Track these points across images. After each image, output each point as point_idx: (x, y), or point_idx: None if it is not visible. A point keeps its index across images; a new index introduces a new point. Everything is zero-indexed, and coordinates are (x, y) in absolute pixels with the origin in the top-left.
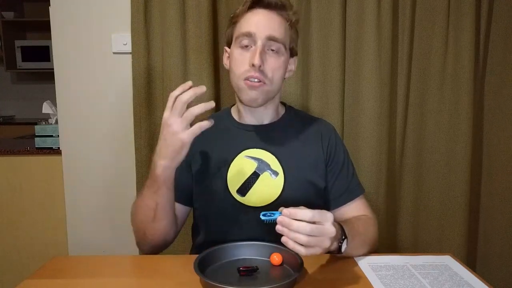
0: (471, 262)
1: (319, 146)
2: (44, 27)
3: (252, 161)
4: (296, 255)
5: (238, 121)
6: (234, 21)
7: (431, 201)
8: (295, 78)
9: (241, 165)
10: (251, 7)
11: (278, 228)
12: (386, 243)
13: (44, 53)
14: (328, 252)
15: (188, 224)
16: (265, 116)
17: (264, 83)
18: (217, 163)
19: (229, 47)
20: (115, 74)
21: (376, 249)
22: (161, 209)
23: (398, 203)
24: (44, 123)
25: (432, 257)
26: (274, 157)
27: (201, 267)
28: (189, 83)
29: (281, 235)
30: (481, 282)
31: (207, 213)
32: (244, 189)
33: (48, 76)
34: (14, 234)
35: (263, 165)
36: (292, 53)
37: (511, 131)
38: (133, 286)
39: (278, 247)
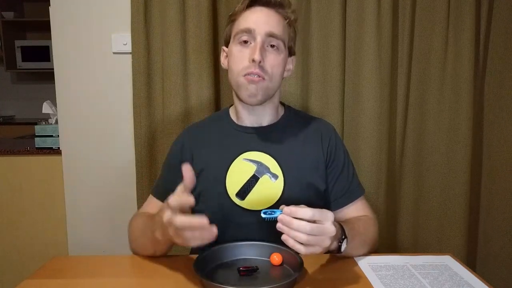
0: (471, 262)
1: (319, 147)
2: (44, 27)
3: (251, 164)
4: (296, 255)
5: (237, 122)
6: (232, 19)
7: (431, 201)
8: (295, 78)
9: (240, 169)
10: (250, 5)
11: (279, 226)
12: (386, 243)
13: (44, 53)
14: (328, 251)
15: None
16: (264, 116)
17: (264, 79)
18: (215, 166)
19: (227, 47)
20: (115, 74)
21: (376, 249)
22: (160, 252)
23: (398, 203)
24: (44, 123)
25: (432, 257)
26: (273, 159)
27: (201, 267)
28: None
29: (281, 234)
30: (481, 282)
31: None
32: (243, 192)
33: (48, 76)
34: (14, 234)
35: (262, 168)
36: (291, 52)
37: (511, 131)
38: (133, 286)
39: (278, 247)
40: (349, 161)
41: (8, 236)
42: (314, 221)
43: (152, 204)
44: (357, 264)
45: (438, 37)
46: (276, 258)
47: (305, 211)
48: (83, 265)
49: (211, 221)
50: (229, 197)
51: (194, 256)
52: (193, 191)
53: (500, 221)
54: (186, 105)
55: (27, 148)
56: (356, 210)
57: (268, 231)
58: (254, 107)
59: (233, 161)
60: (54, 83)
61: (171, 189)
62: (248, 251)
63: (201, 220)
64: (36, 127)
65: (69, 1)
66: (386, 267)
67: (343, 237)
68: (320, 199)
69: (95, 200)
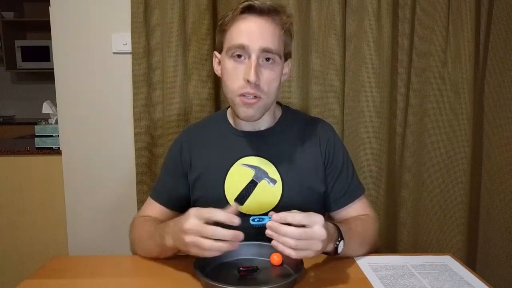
0: (471, 262)
1: (317, 149)
2: (44, 27)
3: (249, 169)
4: None
5: (234, 126)
6: (224, 28)
7: (431, 201)
8: (295, 78)
9: (238, 174)
10: (242, 12)
11: (267, 232)
12: (386, 243)
13: (44, 53)
14: (325, 253)
15: None
16: (261, 122)
17: (260, 97)
18: (214, 171)
19: (219, 53)
20: (115, 74)
21: (377, 248)
22: (164, 256)
23: (398, 203)
24: (44, 123)
25: (432, 257)
26: (271, 164)
27: (201, 267)
28: (237, 221)
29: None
30: (481, 282)
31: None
32: (242, 198)
33: (48, 76)
34: (14, 234)
35: (260, 173)
36: (287, 56)
37: (511, 131)
38: (133, 286)
39: None
40: (348, 161)
41: (8, 236)
42: (303, 226)
43: (152, 207)
44: (357, 264)
45: (438, 37)
46: (276, 258)
47: (292, 216)
48: (83, 265)
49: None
50: (228, 202)
51: (194, 256)
52: (191, 196)
53: (500, 221)
54: (186, 105)
55: (27, 148)
56: (356, 209)
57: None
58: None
59: (231, 166)
60: (54, 83)
61: (170, 192)
62: (248, 251)
63: (237, 233)
64: (36, 127)
65: (69, 1)
66: (386, 267)
67: (339, 238)
68: (320, 203)
69: (95, 200)
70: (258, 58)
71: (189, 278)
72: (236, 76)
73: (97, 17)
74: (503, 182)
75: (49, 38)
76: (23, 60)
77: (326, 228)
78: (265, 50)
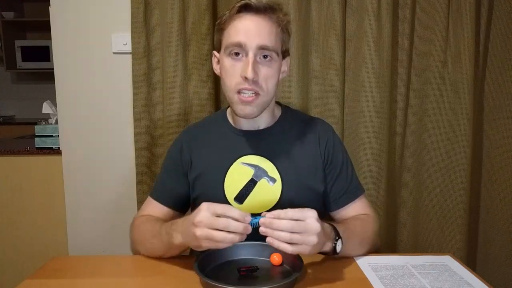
0: (471, 262)
1: (316, 149)
2: (44, 27)
3: (249, 168)
4: (296, 255)
5: (234, 126)
6: (221, 27)
7: (431, 201)
8: (295, 78)
9: (238, 173)
10: (239, 11)
11: (261, 230)
12: (386, 243)
13: (44, 53)
14: (324, 253)
15: None
16: (261, 121)
17: (259, 94)
18: (213, 170)
19: (218, 52)
20: (115, 74)
21: (377, 248)
22: (169, 255)
23: (398, 203)
24: (44, 123)
25: (432, 257)
26: (271, 163)
27: (201, 267)
28: (248, 219)
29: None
30: (481, 282)
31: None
32: (241, 196)
33: (48, 76)
34: (14, 234)
35: (260, 172)
36: (285, 54)
37: (511, 131)
38: (133, 286)
39: None
40: (348, 162)
41: (8, 236)
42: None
43: (152, 206)
44: (357, 264)
45: (438, 37)
46: (276, 258)
47: (285, 212)
48: (83, 265)
49: None
50: (228, 201)
51: (194, 256)
52: (190, 195)
53: (500, 221)
54: (186, 105)
55: (27, 148)
56: (356, 209)
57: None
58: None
59: (231, 165)
60: (54, 83)
61: (170, 191)
62: (248, 251)
63: (247, 226)
64: (36, 127)
65: (69, 1)
66: (386, 267)
67: (337, 237)
68: (319, 202)
69: (95, 200)
70: (255, 55)
71: (189, 278)
72: (234, 73)
73: (97, 17)
74: (503, 182)
75: (49, 38)
76: (23, 60)
77: (320, 223)
78: (262, 48)
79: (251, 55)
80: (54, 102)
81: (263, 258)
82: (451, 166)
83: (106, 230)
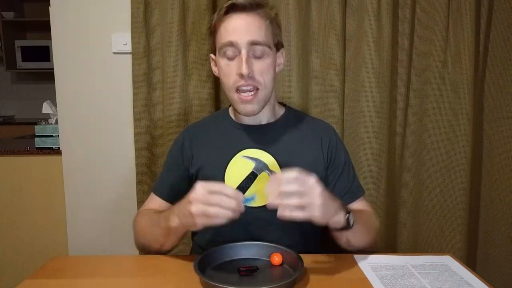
0: (471, 262)
1: (318, 148)
2: (44, 27)
3: (250, 161)
4: (296, 255)
5: (236, 121)
6: (213, 30)
7: (431, 201)
8: (295, 78)
9: (239, 166)
10: (227, 12)
11: (269, 202)
12: (386, 243)
13: (44, 53)
14: (338, 228)
15: None
16: (262, 116)
17: (257, 88)
18: (214, 163)
19: (214, 54)
20: (115, 74)
21: (377, 248)
22: (168, 246)
23: (398, 203)
24: (44, 123)
25: (432, 257)
26: (271, 157)
27: (201, 267)
28: (241, 197)
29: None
30: (481, 282)
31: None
32: (242, 189)
33: (48, 76)
34: (14, 234)
35: (260, 165)
36: (278, 46)
37: (511, 131)
38: (133, 286)
39: (278, 247)
40: (350, 163)
41: (8, 236)
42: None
43: (154, 201)
44: (357, 264)
45: (438, 37)
46: (276, 258)
47: (289, 172)
48: (83, 265)
49: None
50: None
51: (194, 256)
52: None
53: (500, 221)
54: (186, 105)
55: (27, 148)
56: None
57: (267, 227)
58: None
59: (231, 158)
60: (54, 83)
61: (172, 186)
62: (248, 251)
63: (240, 203)
64: (36, 127)
65: (69, 1)
66: (386, 267)
67: (348, 211)
68: None
69: (95, 200)
70: (248, 52)
71: (189, 278)
72: (230, 72)
73: (97, 17)
74: (503, 182)
75: (49, 38)
76: (23, 60)
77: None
78: (253, 43)
79: (243, 52)
80: (54, 102)
81: (263, 258)
82: (451, 166)
83: (106, 230)
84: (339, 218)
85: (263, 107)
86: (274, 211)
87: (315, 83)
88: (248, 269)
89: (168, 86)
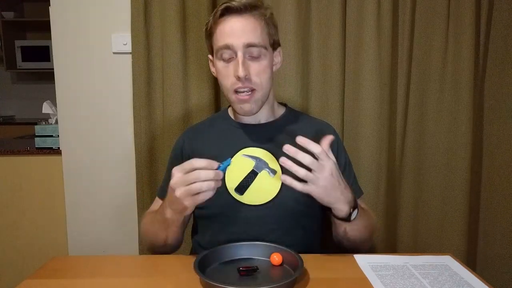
0: (471, 262)
1: None
2: (44, 27)
3: (250, 159)
4: (296, 255)
5: (235, 120)
6: (209, 32)
7: (431, 201)
8: (295, 78)
9: (239, 164)
10: (222, 14)
11: (282, 160)
12: (386, 243)
13: (44, 53)
14: (337, 217)
15: (188, 224)
16: (261, 116)
17: (254, 89)
18: None
19: (212, 56)
20: (115, 74)
21: (376, 249)
22: (171, 239)
23: (398, 203)
24: (44, 123)
25: (432, 257)
26: (271, 155)
27: (201, 267)
28: (215, 165)
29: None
30: (481, 282)
31: (206, 213)
32: (242, 187)
33: (48, 76)
34: (14, 234)
35: (261, 164)
36: (275, 46)
37: (511, 131)
38: (133, 286)
39: (278, 247)
40: (350, 163)
41: (8, 236)
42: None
43: (158, 204)
44: (357, 264)
45: (438, 37)
46: (276, 258)
47: (314, 145)
48: (83, 265)
49: (211, 217)
50: (228, 192)
51: (194, 256)
52: None
53: (500, 221)
54: (186, 105)
55: (27, 148)
56: None
57: (267, 227)
58: None
59: (232, 157)
60: (54, 83)
61: None
62: (248, 251)
63: (218, 172)
64: (36, 127)
65: (69, 1)
66: (386, 267)
67: (355, 207)
68: None
69: (95, 200)
70: (244, 54)
71: (189, 278)
72: (227, 74)
73: (97, 17)
74: (503, 182)
75: (49, 38)
76: (23, 60)
77: (338, 174)
78: (249, 45)
79: (240, 54)
80: (54, 102)
81: (263, 258)
82: (451, 166)
83: (106, 230)
84: (343, 207)
85: (261, 107)
86: (274, 211)
87: (315, 83)
88: (248, 269)
89: (168, 86)
